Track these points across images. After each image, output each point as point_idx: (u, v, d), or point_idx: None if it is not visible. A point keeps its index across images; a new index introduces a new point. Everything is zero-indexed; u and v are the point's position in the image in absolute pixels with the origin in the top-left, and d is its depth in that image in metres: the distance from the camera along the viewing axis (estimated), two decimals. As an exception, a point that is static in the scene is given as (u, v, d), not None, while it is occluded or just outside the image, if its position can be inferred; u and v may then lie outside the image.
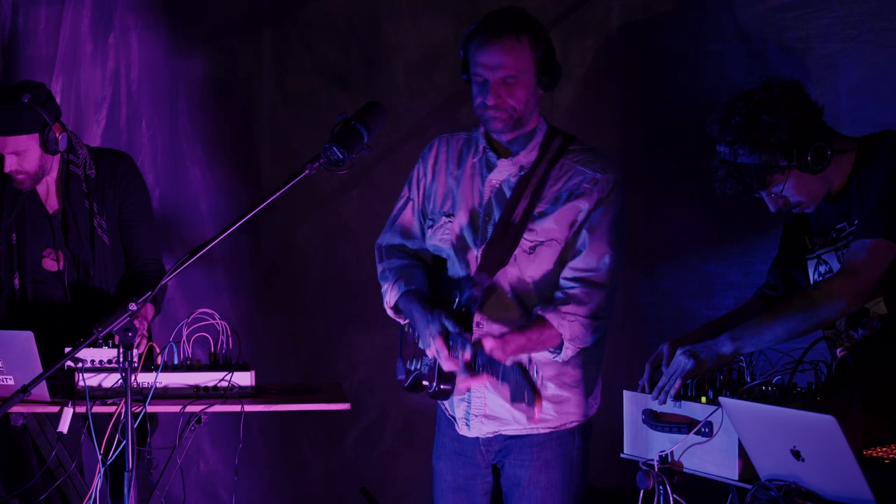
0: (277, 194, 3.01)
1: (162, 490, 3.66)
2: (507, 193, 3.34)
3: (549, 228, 3.32)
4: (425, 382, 3.39)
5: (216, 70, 4.88)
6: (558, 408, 3.36)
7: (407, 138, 4.83)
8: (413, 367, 3.44)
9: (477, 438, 3.41)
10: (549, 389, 3.34)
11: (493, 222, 3.34)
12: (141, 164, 4.53)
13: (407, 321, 3.48)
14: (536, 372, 3.13)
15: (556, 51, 3.36)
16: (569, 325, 3.25)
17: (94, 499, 3.34)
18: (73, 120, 4.74)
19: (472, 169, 3.42)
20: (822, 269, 3.12)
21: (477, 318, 3.31)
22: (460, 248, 3.39)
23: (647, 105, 4.70)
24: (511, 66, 3.25)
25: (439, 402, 3.51)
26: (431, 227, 3.46)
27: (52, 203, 4.04)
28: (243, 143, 4.91)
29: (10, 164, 3.87)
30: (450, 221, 3.41)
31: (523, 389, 3.06)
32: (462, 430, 3.42)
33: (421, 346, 3.39)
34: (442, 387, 3.35)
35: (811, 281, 3.16)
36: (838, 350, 3.12)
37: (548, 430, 3.37)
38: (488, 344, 3.15)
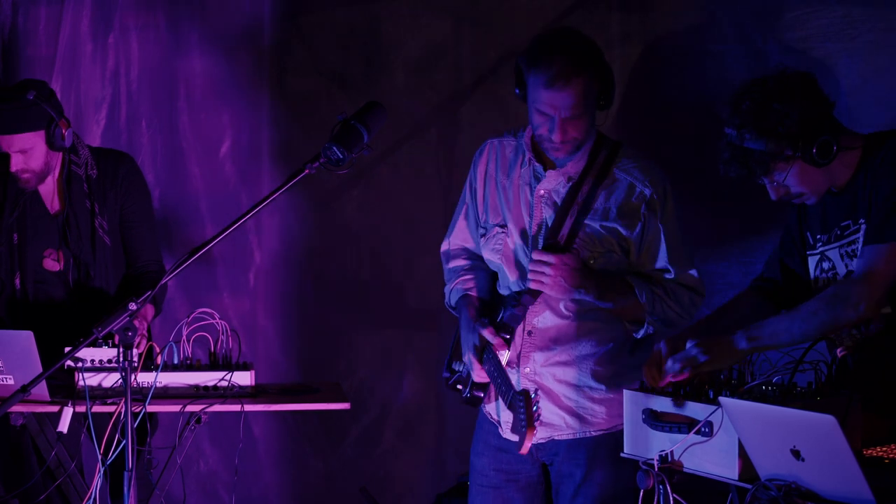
0: (277, 194, 3.01)
1: (162, 490, 3.66)
2: (556, 204, 3.35)
3: (604, 240, 3.32)
4: (459, 387, 3.47)
5: (216, 70, 4.88)
6: (609, 410, 3.38)
7: (407, 138, 4.83)
8: (458, 368, 3.50)
9: None
10: (601, 392, 3.38)
11: (542, 237, 3.35)
12: (141, 164, 4.53)
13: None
14: (536, 407, 3.18)
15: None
16: (653, 298, 3.30)
17: (94, 498, 3.34)
18: (73, 120, 4.73)
19: (519, 179, 3.43)
20: (825, 265, 3.11)
21: (529, 326, 3.36)
22: (512, 260, 3.41)
23: (647, 105, 4.69)
24: (579, 104, 3.25)
25: (483, 405, 3.52)
26: (484, 235, 3.49)
27: (53, 203, 4.04)
28: (243, 143, 4.91)
29: (17, 162, 3.87)
30: (503, 233, 3.42)
31: (521, 420, 3.13)
32: (507, 434, 3.43)
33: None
34: (474, 394, 3.43)
35: (812, 277, 3.16)
36: (838, 350, 3.12)
37: (599, 433, 3.39)
38: (550, 271, 3.22)
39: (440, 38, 4.81)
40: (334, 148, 3.00)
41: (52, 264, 4.01)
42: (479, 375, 3.37)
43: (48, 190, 4.03)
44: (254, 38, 4.88)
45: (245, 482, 4.87)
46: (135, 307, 2.96)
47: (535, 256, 3.27)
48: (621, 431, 3.37)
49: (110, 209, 4.03)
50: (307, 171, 3.00)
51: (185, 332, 3.60)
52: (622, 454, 3.01)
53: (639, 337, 3.37)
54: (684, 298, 3.35)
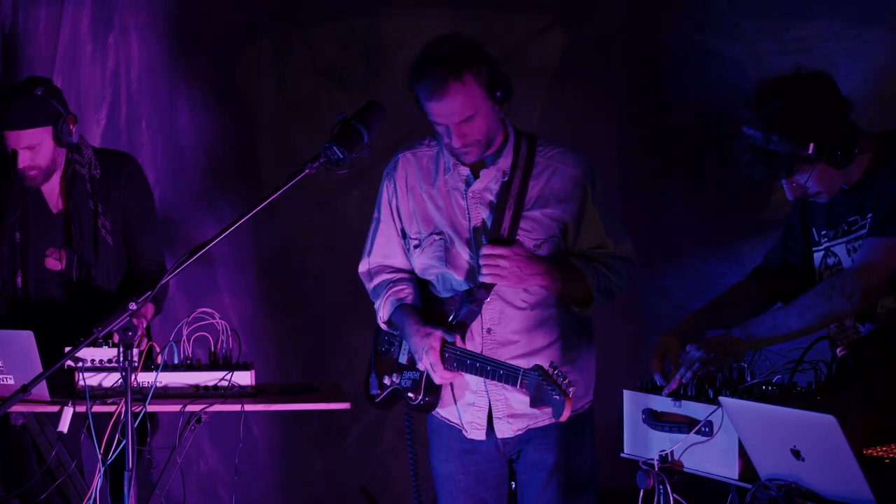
0: (277, 194, 3.01)
1: (162, 490, 3.66)
2: (492, 202, 3.36)
3: (545, 226, 3.36)
4: (410, 395, 3.45)
5: (216, 70, 4.88)
6: (575, 391, 3.37)
7: (407, 138, 4.81)
8: (390, 383, 3.47)
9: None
10: (570, 376, 3.35)
11: (484, 235, 3.36)
12: (141, 164, 4.53)
13: (398, 334, 3.51)
14: (559, 373, 3.12)
15: (501, 65, 3.36)
16: (597, 275, 3.36)
17: (94, 498, 3.34)
18: (73, 120, 4.75)
19: (446, 185, 3.44)
20: (831, 261, 3.12)
21: (488, 324, 3.36)
22: (456, 264, 3.40)
23: (647, 105, 4.70)
24: (464, 108, 3.28)
25: (438, 411, 3.51)
26: (418, 246, 3.47)
27: (56, 202, 4.04)
28: (243, 143, 4.91)
29: (24, 159, 3.87)
30: (441, 239, 3.42)
31: (550, 393, 3.08)
32: (473, 434, 3.43)
33: (403, 360, 3.46)
34: (428, 399, 3.41)
35: (816, 271, 3.16)
36: (838, 350, 3.13)
37: (571, 415, 3.38)
38: (505, 263, 3.25)
39: (440, 38, 4.81)
40: (334, 148, 3.00)
41: (53, 263, 4.01)
42: (443, 377, 3.33)
43: (51, 189, 4.04)
44: (254, 37, 4.88)
45: (245, 482, 4.88)
46: (135, 307, 2.96)
47: (486, 251, 3.28)
48: (586, 412, 3.44)
49: (113, 209, 4.03)
50: (307, 171, 3.00)
51: (185, 332, 3.60)
52: (622, 454, 3.01)
53: (584, 315, 3.43)
54: (622, 270, 3.42)
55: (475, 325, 3.37)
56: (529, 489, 3.46)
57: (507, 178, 3.37)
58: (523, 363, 3.33)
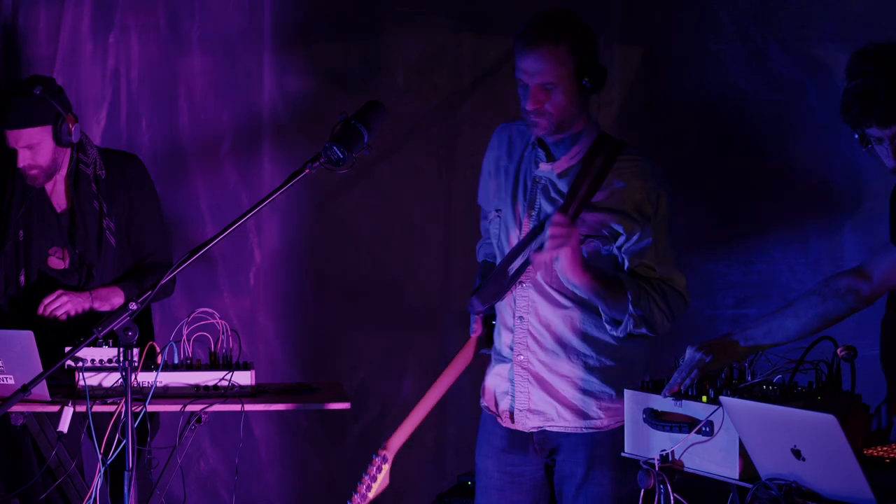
0: (277, 194, 3.01)
1: (162, 489, 3.66)
2: (550, 195, 3.33)
3: (595, 237, 3.28)
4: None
5: (216, 70, 4.88)
6: (600, 404, 3.34)
7: (407, 138, 4.83)
8: None
9: (531, 434, 3.41)
10: (595, 387, 3.34)
11: (532, 219, 3.34)
12: (142, 164, 4.54)
13: None
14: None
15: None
16: (638, 292, 3.24)
17: (95, 498, 3.34)
18: (73, 120, 4.74)
19: (522, 163, 3.41)
20: None
21: (520, 311, 3.35)
22: (506, 243, 3.40)
23: (647, 105, 4.69)
24: (548, 72, 3.23)
25: (481, 401, 3.52)
26: (486, 218, 3.51)
27: (59, 201, 4.05)
28: (243, 143, 4.91)
29: (24, 158, 3.88)
30: (498, 217, 3.42)
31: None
32: (506, 423, 3.43)
33: None
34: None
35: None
36: (839, 349, 3.12)
37: (595, 430, 3.35)
38: (552, 240, 3.16)
39: (440, 38, 4.81)
40: (335, 147, 3.00)
41: (56, 262, 4.02)
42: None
43: (55, 188, 4.04)
44: (254, 37, 4.88)
45: (245, 482, 4.88)
46: (135, 307, 2.96)
47: (559, 219, 3.18)
48: (607, 434, 3.36)
49: (118, 210, 4.03)
50: (307, 171, 3.01)
51: (185, 332, 3.60)
52: (622, 454, 3.01)
53: (617, 334, 3.30)
54: (670, 298, 3.29)
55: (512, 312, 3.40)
56: (564, 499, 3.44)
57: (573, 180, 3.29)
58: (551, 361, 3.35)
